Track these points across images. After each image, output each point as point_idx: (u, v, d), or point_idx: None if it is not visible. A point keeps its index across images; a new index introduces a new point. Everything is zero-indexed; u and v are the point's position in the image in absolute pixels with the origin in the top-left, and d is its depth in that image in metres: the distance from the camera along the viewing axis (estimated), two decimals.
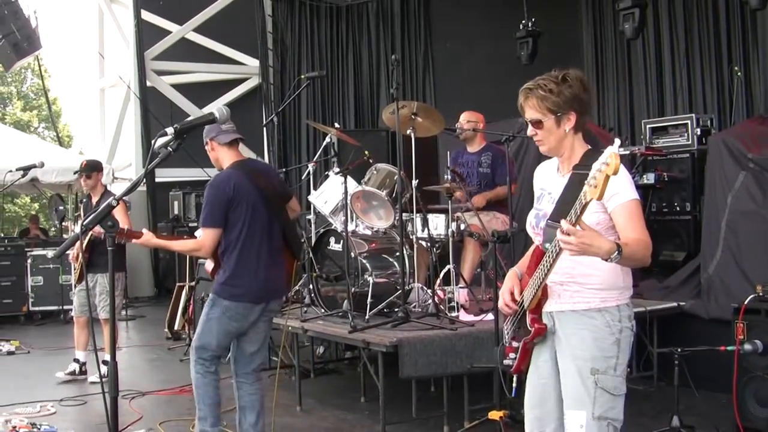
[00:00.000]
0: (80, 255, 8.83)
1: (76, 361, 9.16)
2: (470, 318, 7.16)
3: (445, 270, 7.81)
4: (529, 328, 3.70)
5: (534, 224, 3.89)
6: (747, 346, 6.02)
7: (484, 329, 6.74)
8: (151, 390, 8.52)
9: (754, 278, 7.06)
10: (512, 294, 3.82)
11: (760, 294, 6.26)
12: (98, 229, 7.64)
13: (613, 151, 2.97)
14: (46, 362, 10.36)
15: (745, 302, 6.19)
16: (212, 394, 5.86)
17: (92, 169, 9.06)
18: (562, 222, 3.18)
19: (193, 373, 5.81)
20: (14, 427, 6.54)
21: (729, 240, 7.72)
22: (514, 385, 4.00)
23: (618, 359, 3.62)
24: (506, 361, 3.90)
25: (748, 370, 6.11)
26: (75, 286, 9.28)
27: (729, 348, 6.13)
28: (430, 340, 6.52)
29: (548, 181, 3.90)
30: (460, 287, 7.74)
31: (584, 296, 3.64)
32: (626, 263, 3.44)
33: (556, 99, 3.63)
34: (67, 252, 9.16)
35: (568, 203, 3.30)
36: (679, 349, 6.26)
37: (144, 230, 5.59)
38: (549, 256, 3.45)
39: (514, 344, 3.83)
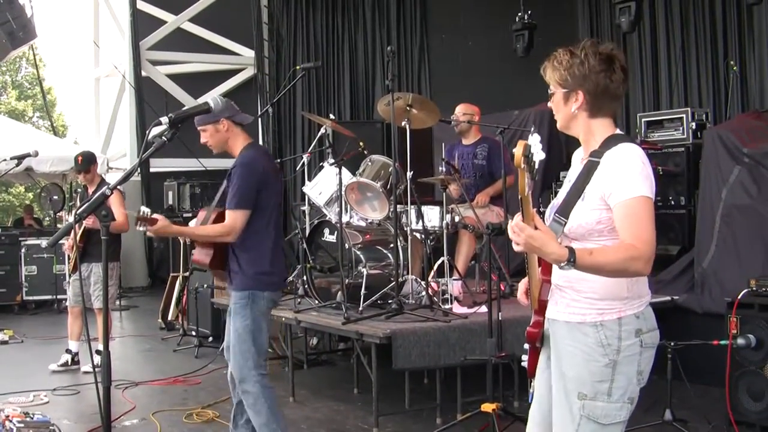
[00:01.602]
0: (75, 245, 8.76)
1: (68, 351, 9.14)
2: (464, 310, 7.16)
3: (439, 262, 7.82)
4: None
5: (548, 215, 3.43)
6: (740, 341, 6.03)
7: (477, 321, 6.74)
8: (145, 380, 8.51)
9: (747, 272, 7.06)
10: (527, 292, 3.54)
11: (754, 288, 6.27)
12: (92, 219, 7.91)
13: (521, 140, 2.85)
14: (40, 352, 10.36)
15: (739, 296, 6.19)
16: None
17: (89, 163, 9.05)
18: (516, 215, 2.98)
19: (258, 389, 5.23)
20: (7, 417, 6.52)
21: (723, 234, 7.73)
22: (531, 390, 3.65)
23: (613, 383, 3.19)
24: (523, 363, 3.63)
25: (741, 365, 6.12)
26: (69, 276, 9.28)
27: (722, 342, 6.14)
28: (424, 332, 6.52)
29: (573, 167, 3.54)
30: (455, 279, 7.75)
31: (580, 306, 3.26)
32: (595, 273, 3.08)
33: (564, 73, 3.28)
34: (63, 242, 9.26)
35: (574, 195, 3.18)
36: (672, 343, 6.28)
37: (158, 215, 5.12)
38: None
39: (525, 345, 3.57)
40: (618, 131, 3.32)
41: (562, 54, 3.32)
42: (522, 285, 3.61)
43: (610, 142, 3.19)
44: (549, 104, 3.43)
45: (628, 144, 3.21)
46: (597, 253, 3.01)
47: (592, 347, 3.21)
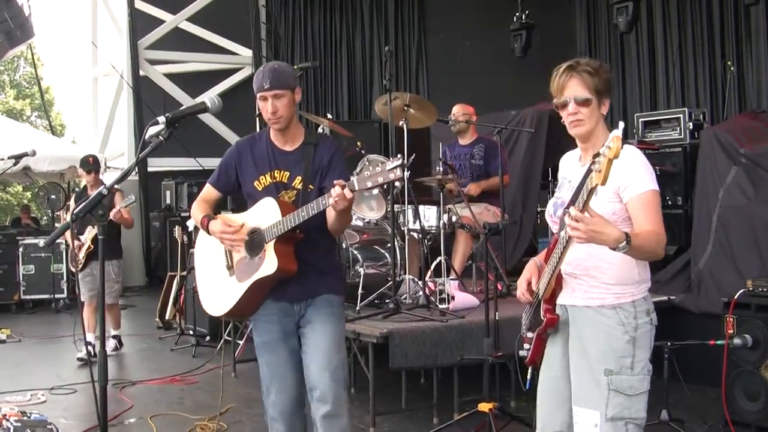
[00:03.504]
0: (85, 244, 9.29)
1: (89, 344, 9.27)
2: (464, 299, 7.20)
3: (436, 262, 7.82)
4: (542, 319, 3.68)
5: (552, 213, 3.81)
6: (736, 341, 6.04)
7: (474, 321, 6.75)
8: (142, 379, 8.51)
9: (744, 273, 7.08)
10: (529, 283, 3.79)
11: (750, 289, 6.28)
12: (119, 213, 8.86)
13: (616, 134, 2.94)
14: (38, 351, 10.37)
15: (735, 297, 6.20)
16: None
17: (99, 163, 9.63)
18: (571, 208, 3.14)
19: (347, 411, 4.45)
20: (4, 416, 6.52)
21: (720, 234, 7.74)
22: (528, 377, 4.01)
23: (635, 357, 3.53)
24: (522, 352, 3.88)
25: (738, 365, 6.13)
26: (79, 274, 9.41)
27: (719, 342, 6.15)
28: (421, 331, 6.53)
29: (570, 170, 3.85)
30: (451, 279, 7.75)
31: (598, 291, 3.58)
32: (636, 255, 3.36)
33: (601, 81, 3.58)
34: (60, 241, 9.42)
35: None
36: (669, 343, 6.28)
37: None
38: (560, 244, 3.41)
39: (529, 335, 3.81)
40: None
41: (594, 62, 3.63)
42: (523, 283, 3.83)
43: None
44: (574, 108, 3.60)
45: (630, 146, 3.57)
46: (640, 237, 3.29)
47: (613, 326, 3.54)
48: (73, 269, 9.83)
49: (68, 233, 9.54)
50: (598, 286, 3.58)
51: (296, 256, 4.28)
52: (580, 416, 3.62)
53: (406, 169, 3.39)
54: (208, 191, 4.69)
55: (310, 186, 4.36)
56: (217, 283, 4.53)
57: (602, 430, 3.53)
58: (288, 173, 4.42)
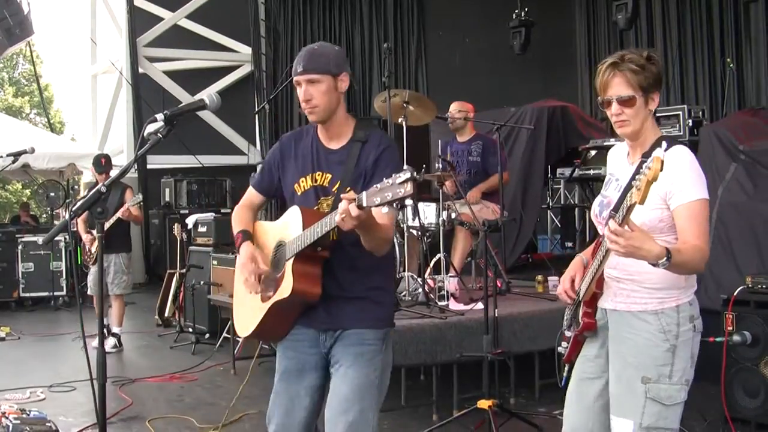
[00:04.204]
0: (96, 239, 9.36)
1: (113, 335, 9.84)
2: (460, 307, 7.17)
3: (435, 259, 7.82)
4: (579, 321, 3.63)
5: (597, 212, 3.68)
6: (736, 337, 6.03)
7: (473, 318, 6.75)
8: (141, 377, 8.51)
9: (743, 270, 7.07)
10: (573, 281, 3.68)
11: (750, 285, 6.27)
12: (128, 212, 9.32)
13: (657, 155, 2.82)
14: (37, 348, 10.37)
15: (735, 293, 6.20)
16: None
17: (111, 164, 9.97)
18: (610, 221, 3.06)
19: None
20: (3, 413, 6.51)
21: (719, 231, 7.72)
22: (564, 374, 3.85)
23: (674, 366, 3.44)
24: (560, 348, 3.81)
25: (737, 361, 6.12)
26: (91, 267, 9.99)
27: (718, 339, 6.13)
28: (420, 328, 6.53)
29: (618, 167, 3.67)
30: (451, 276, 7.75)
31: (641, 296, 3.48)
32: (676, 270, 3.25)
33: (647, 75, 3.40)
34: (59, 238, 9.61)
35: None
36: None
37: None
38: (602, 249, 3.33)
39: (568, 333, 3.75)
40: (660, 131, 3.50)
41: (636, 58, 3.43)
42: (567, 281, 3.70)
43: (662, 143, 3.12)
44: (618, 109, 3.45)
45: (682, 146, 3.41)
46: (682, 253, 3.17)
47: (654, 333, 3.44)
48: (86, 263, 10.22)
49: (81, 228, 9.93)
50: (641, 290, 3.48)
51: (328, 277, 3.66)
52: (614, 425, 3.54)
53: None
54: (250, 195, 4.08)
55: (352, 192, 3.49)
56: (247, 301, 3.91)
57: None
58: (330, 176, 3.75)
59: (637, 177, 2.88)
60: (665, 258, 3.08)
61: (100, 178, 9.63)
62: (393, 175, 3.06)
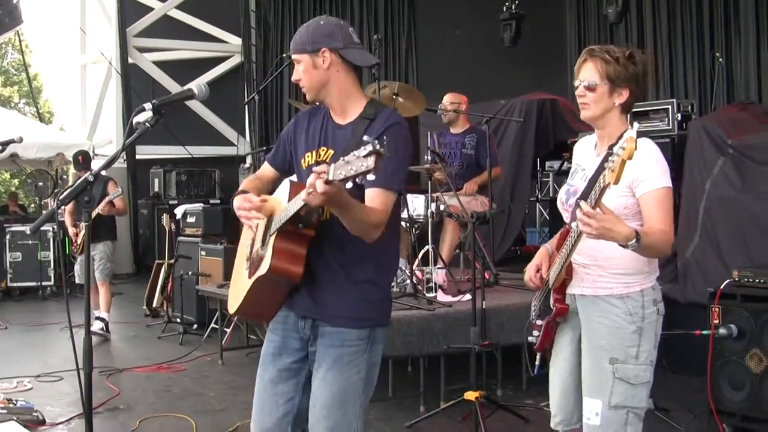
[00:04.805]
0: (84, 229, 9.64)
1: (101, 320, 9.97)
2: (448, 299, 7.18)
3: (423, 250, 7.83)
4: (551, 308, 3.74)
5: (564, 200, 3.82)
6: (722, 331, 6.05)
7: (461, 310, 6.76)
8: (129, 367, 8.50)
9: (730, 263, 7.09)
10: (538, 270, 3.83)
11: (736, 279, 6.29)
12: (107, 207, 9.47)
13: (630, 135, 2.94)
14: (24, 338, 10.36)
15: (721, 287, 6.21)
16: None
17: (88, 162, 10.19)
18: (582, 203, 3.17)
19: None
20: None
21: (707, 225, 7.75)
22: (537, 363, 4.01)
23: (640, 347, 3.60)
24: (530, 338, 3.93)
25: (723, 355, 6.14)
26: (78, 257, 10.40)
27: (704, 332, 6.15)
28: (408, 320, 6.53)
29: (584, 158, 3.84)
30: (439, 268, 7.76)
31: (607, 281, 3.63)
32: (644, 253, 3.40)
33: (619, 69, 3.59)
34: (46, 228, 9.66)
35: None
36: None
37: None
38: (572, 236, 3.45)
39: (539, 322, 3.86)
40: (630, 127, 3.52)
41: (617, 51, 3.65)
42: (532, 269, 3.86)
43: (633, 125, 3.23)
44: (582, 91, 3.64)
45: (647, 139, 3.57)
46: (649, 236, 3.31)
47: (621, 316, 3.60)
48: (74, 253, 10.45)
49: (68, 221, 9.99)
50: (607, 275, 3.63)
51: (317, 258, 3.45)
52: (585, 406, 3.68)
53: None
54: (264, 168, 3.88)
55: None
56: (240, 278, 3.74)
57: (604, 417, 3.60)
58: (333, 152, 3.55)
59: (610, 159, 2.98)
60: (634, 240, 3.21)
61: (82, 174, 9.68)
62: (361, 147, 2.78)
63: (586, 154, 3.85)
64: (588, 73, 3.63)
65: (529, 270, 3.86)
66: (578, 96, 3.65)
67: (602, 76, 3.59)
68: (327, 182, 2.85)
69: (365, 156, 2.75)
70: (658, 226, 3.41)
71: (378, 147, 2.74)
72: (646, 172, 3.42)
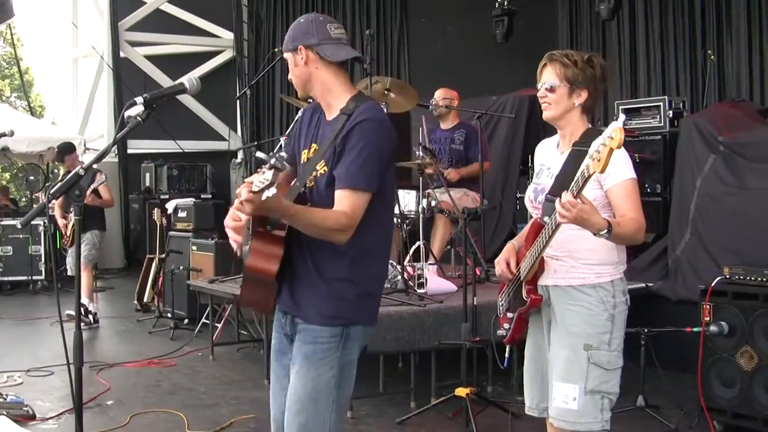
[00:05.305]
0: (72, 222, 9.94)
1: (82, 305, 9.77)
2: (439, 284, 7.20)
3: (415, 246, 7.82)
4: (525, 299, 3.86)
5: (532, 198, 4.00)
6: (713, 328, 6.06)
7: (452, 306, 6.75)
8: (119, 362, 8.49)
9: (721, 261, 7.12)
10: (508, 264, 3.97)
11: (727, 276, 6.30)
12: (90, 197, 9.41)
13: (617, 126, 3.10)
14: (15, 332, 10.33)
15: (712, 284, 6.22)
16: None
17: (64, 152, 10.31)
18: (564, 194, 3.33)
19: None
20: None
21: (697, 222, 7.77)
22: (506, 355, 4.27)
23: (612, 334, 3.76)
24: (500, 332, 4.10)
25: (714, 352, 6.15)
26: (69, 250, 10.64)
27: (695, 329, 6.17)
28: (399, 316, 6.53)
29: (548, 157, 4.03)
30: (430, 264, 7.76)
31: (580, 271, 3.79)
32: (616, 241, 3.62)
33: (577, 72, 3.79)
34: (37, 222, 9.69)
35: (566, 178, 3.48)
36: (645, 330, 6.34)
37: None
38: (546, 230, 3.61)
39: (509, 315, 4.02)
40: (590, 125, 3.89)
41: (575, 55, 3.85)
42: (503, 262, 4.00)
43: (591, 134, 3.59)
44: (543, 93, 3.86)
45: None
46: (621, 225, 3.54)
47: (594, 304, 3.76)
48: (65, 246, 10.69)
49: (57, 213, 9.98)
50: (580, 266, 3.79)
51: (298, 255, 3.49)
52: (558, 390, 3.80)
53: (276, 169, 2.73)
54: None
55: (324, 168, 3.47)
56: None
57: (581, 401, 3.73)
58: (317, 148, 3.54)
59: (597, 150, 3.15)
60: (605, 230, 3.42)
61: (63, 167, 9.78)
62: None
63: (549, 153, 4.04)
64: (548, 75, 3.85)
65: (500, 264, 4.00)
66: (540, 98, 3.88)
67: (561, 79, 3.80)
68: (252, 192, 2.92)
69: (269, 169, 2.91)
70: (629, 214, 3.62)
71: (274, 163, 2.91)
72: (614, 166, 3.44)
